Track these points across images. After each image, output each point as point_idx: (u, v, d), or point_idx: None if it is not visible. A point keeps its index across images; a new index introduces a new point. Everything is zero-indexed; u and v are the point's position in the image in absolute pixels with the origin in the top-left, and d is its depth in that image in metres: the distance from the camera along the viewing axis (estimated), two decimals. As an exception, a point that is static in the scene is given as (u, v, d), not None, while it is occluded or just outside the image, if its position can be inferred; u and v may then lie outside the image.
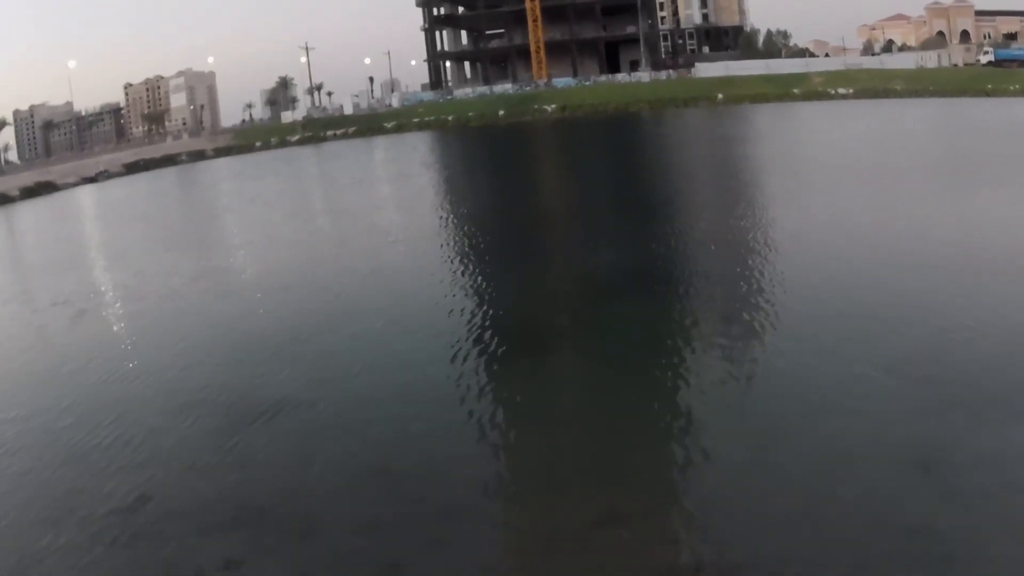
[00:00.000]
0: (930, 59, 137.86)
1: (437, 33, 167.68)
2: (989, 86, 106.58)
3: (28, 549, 11.64)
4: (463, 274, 26.22)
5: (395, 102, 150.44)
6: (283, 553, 10.96)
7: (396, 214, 43.61)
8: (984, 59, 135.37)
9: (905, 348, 15.96)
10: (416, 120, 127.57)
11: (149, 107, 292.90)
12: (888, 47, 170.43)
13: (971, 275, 20.82)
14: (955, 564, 9.53)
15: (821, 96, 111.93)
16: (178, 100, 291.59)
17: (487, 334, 19.61)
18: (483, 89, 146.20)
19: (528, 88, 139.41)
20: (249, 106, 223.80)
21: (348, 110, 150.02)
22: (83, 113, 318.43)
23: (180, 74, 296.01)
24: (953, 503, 10.61)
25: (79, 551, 11.44)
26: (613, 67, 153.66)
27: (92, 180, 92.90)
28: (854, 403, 13.78)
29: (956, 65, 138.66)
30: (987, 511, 10.42)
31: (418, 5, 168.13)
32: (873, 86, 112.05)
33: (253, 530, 11.57)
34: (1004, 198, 30.97)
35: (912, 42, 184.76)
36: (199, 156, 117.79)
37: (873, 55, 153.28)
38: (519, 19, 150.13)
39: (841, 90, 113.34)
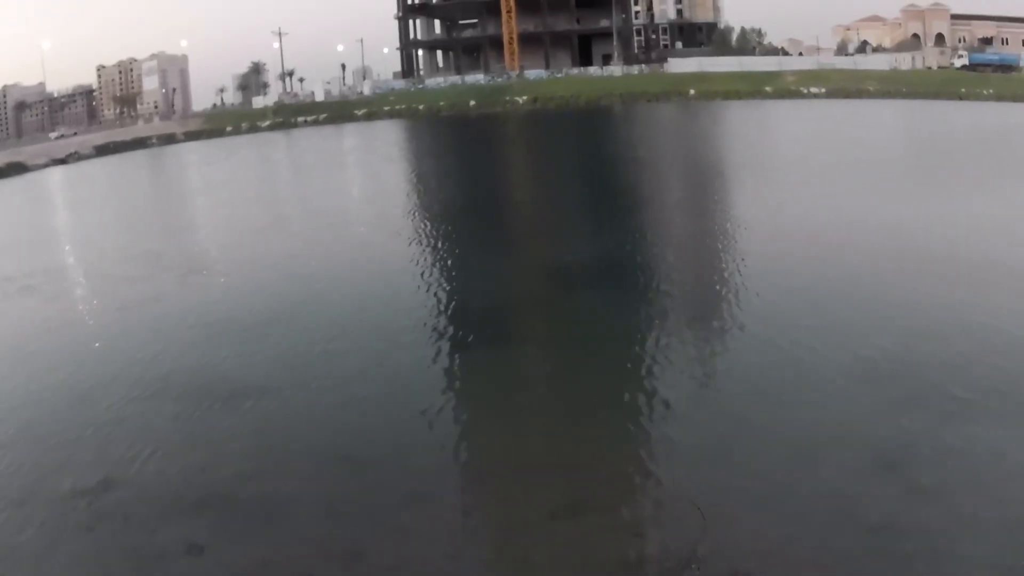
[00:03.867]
0: (904, 61, 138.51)
1: (410, 21, 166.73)
2: (962, 89, 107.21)
3: (-9, 531, 11.51)
4: (428, 263, 26.01)
5: (367, 90, 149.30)
6: (246, 538, 10.93)
7: (360, 202, 43.48)
8: (958, 63, 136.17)
9: (871, 345, 15.95)
10: (387, 108, 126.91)
11: (121, 89, 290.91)
12: (862, 48, 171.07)
13: (938, 275, 20.89)
14: (917, 561, 9.51)
15: (793, 95, 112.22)
16: (150, 83, 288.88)
17: (452, 322, 19.44)
18: (455, 79, 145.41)
19: (500, 79, 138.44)
20: (221, 90, 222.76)
21: (320, 97, 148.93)
22: (55, 94, 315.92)
23: (153, 57, 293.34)
24: (917, 500, 10.61)
25: (42, 534, 11.34)
26: (585, 60, 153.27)
27: (62, 162, 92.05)
28: (820, 399, 13.84)
29: (930, 68, 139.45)
30: (951, 509, 10.44)
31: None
32: (845, 86, 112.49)
33: (216, 514, 11.53)
34: (971, 200, 30.98)
35: (887, 43, 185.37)
36: (169, 140, 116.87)
37: (847, 55, 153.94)
38: (493, 10, 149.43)
39: (813, 89, 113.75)
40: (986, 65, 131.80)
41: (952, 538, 9.80)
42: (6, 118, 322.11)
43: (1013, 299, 18.68)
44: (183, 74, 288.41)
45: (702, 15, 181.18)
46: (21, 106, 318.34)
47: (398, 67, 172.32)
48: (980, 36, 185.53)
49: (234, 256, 29.14)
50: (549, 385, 15.88)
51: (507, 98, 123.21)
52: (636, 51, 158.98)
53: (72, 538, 11.16)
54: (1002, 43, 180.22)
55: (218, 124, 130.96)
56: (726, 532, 10.14)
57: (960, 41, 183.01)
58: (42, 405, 16.13)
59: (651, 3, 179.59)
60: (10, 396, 16.84)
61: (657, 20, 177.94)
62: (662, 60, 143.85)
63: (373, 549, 10.44)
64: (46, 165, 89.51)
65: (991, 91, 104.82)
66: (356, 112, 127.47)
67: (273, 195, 50.37)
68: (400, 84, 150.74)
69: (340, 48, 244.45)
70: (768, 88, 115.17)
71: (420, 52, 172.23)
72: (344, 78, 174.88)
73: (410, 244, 29.07)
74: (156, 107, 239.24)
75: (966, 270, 21.05)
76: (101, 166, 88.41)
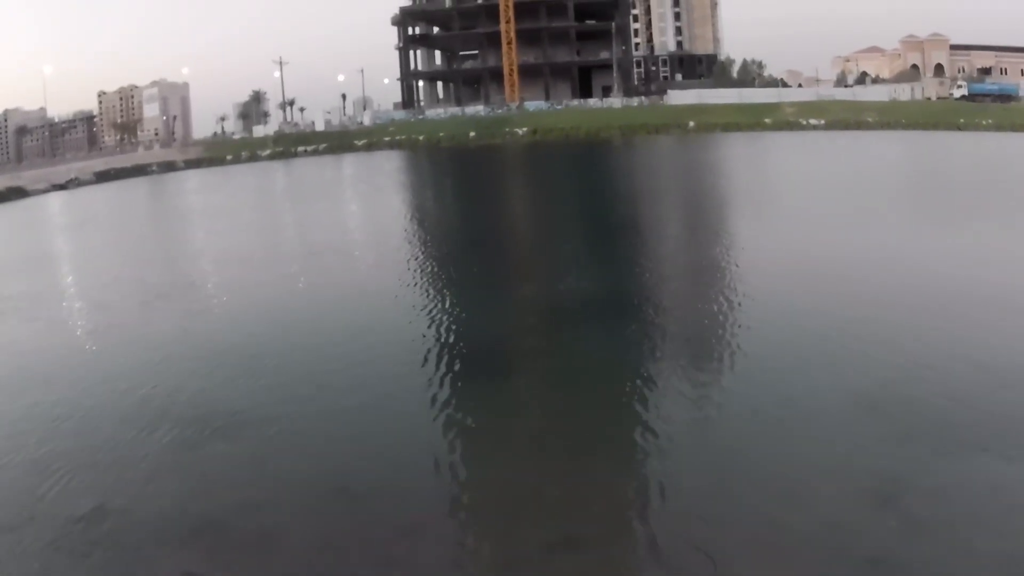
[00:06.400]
0: (903, 92, 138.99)
1: (411, 52, 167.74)
2: (961, 120, 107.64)
3: (-17, 556, 11.29)
4: (425, 296, 25.63)
5: (367, 120, 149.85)
6: (240, 568, 10.79)
7: (357, 233, 43.08)
8: (957, 93, 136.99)
9: (867, 380, 15.79)
10: (387, 139, 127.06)
11: (122, 116, 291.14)
12: (862, 79, 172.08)
13: (934, 309, 20.70)
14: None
15: (792, 126, 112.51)
16: (151, 110, 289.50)
17: (449, 355, 19.09)
18: (455, 110, 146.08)
19: (500, 111, 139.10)
20: (222, 119, 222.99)
21: (320, 126, 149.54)
22: (56, 119, 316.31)
23: (154, 84, 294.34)
24: (914, 535, 10.47)
25: (35, 559, 11.19)
26: (585, 92, 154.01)
27: (62, 187, 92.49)
28: (816, 433, 13.67)
29: (929, 98, 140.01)
30: (947, 543, 10.34)
31: (393, 24, 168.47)
32: (845, 118, 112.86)
33: (211, 544, 11.36)
34: (969, 233, 30.96)
35: (886, 74, 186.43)
36: (170, 167, 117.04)
37: (846, 87, 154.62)
38: (493, 41, 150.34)
39: (813, 121, 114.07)
40: (985, 95, 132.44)
41: (951, 572, 9.73)
42: (7, 142, 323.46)
43: (1013, 333, 18.62)
44: (184, 102, 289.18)
45: (702, 47, 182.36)
46: (22, 131, 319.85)
47: (399, 98, 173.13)
48: (979, 66, 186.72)
49: (229, 285, 28.90)
50: (546, 419, 15.67)
51: (507, 130, 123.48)
52: (636, 83, 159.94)
53: (66, 565, 11.04)
54: (1001, 73, 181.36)
55: (218, 152, 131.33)
56: (722, 568, 10.04)
57: (959, 71, 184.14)
58: (31, 430, 15.96)
59: (651, 35, 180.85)
60: (7, 421, 16.70)
61: (657, 52, 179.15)
62: (662, 92, 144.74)
63: (367, 581, 10.31)
64: (46, 190, 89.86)
65: (990, 121, 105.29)
66: (356, 142, 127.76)
67: (270, 224, 50.10)
68: (400, 115, 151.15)
69: (341, 78, 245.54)
70: (767, 120, 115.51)
71: (421, 83, 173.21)
72: (345, 108, 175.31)
73: (407, 276, 28.71)
74: (157, 134, 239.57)
75: (964, 303, 20.86)
76: (100, 192, 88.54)
